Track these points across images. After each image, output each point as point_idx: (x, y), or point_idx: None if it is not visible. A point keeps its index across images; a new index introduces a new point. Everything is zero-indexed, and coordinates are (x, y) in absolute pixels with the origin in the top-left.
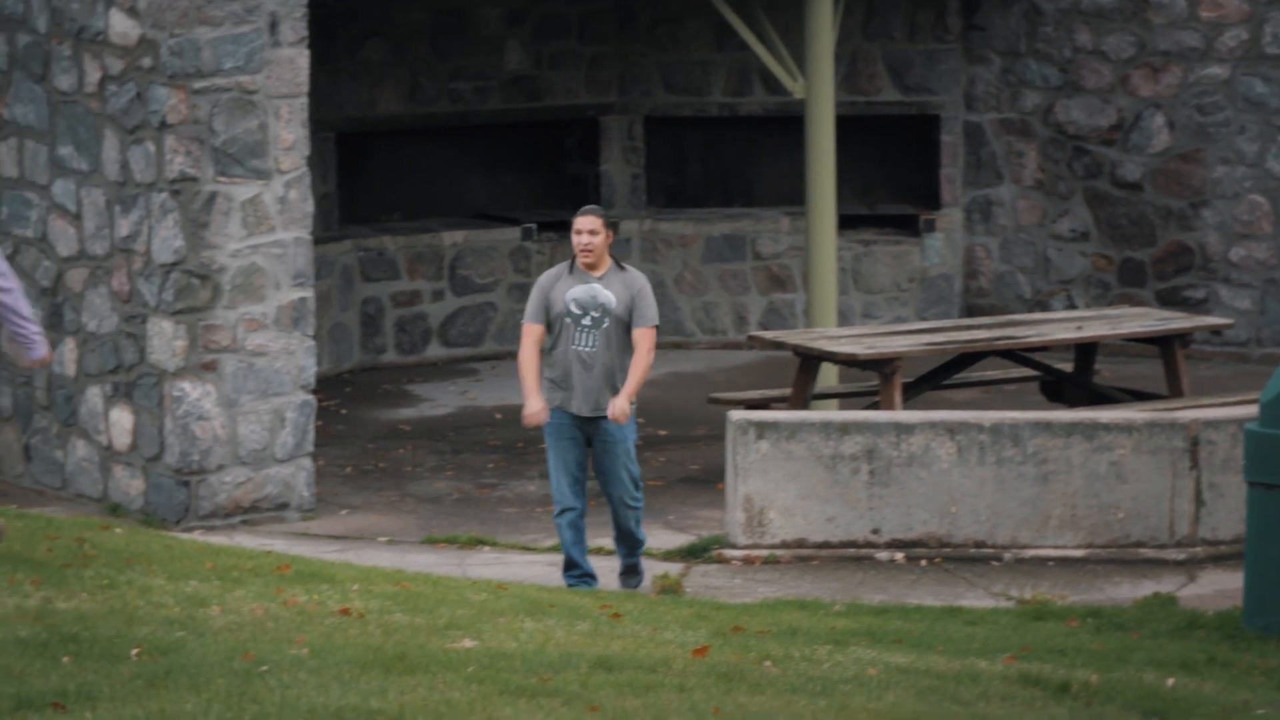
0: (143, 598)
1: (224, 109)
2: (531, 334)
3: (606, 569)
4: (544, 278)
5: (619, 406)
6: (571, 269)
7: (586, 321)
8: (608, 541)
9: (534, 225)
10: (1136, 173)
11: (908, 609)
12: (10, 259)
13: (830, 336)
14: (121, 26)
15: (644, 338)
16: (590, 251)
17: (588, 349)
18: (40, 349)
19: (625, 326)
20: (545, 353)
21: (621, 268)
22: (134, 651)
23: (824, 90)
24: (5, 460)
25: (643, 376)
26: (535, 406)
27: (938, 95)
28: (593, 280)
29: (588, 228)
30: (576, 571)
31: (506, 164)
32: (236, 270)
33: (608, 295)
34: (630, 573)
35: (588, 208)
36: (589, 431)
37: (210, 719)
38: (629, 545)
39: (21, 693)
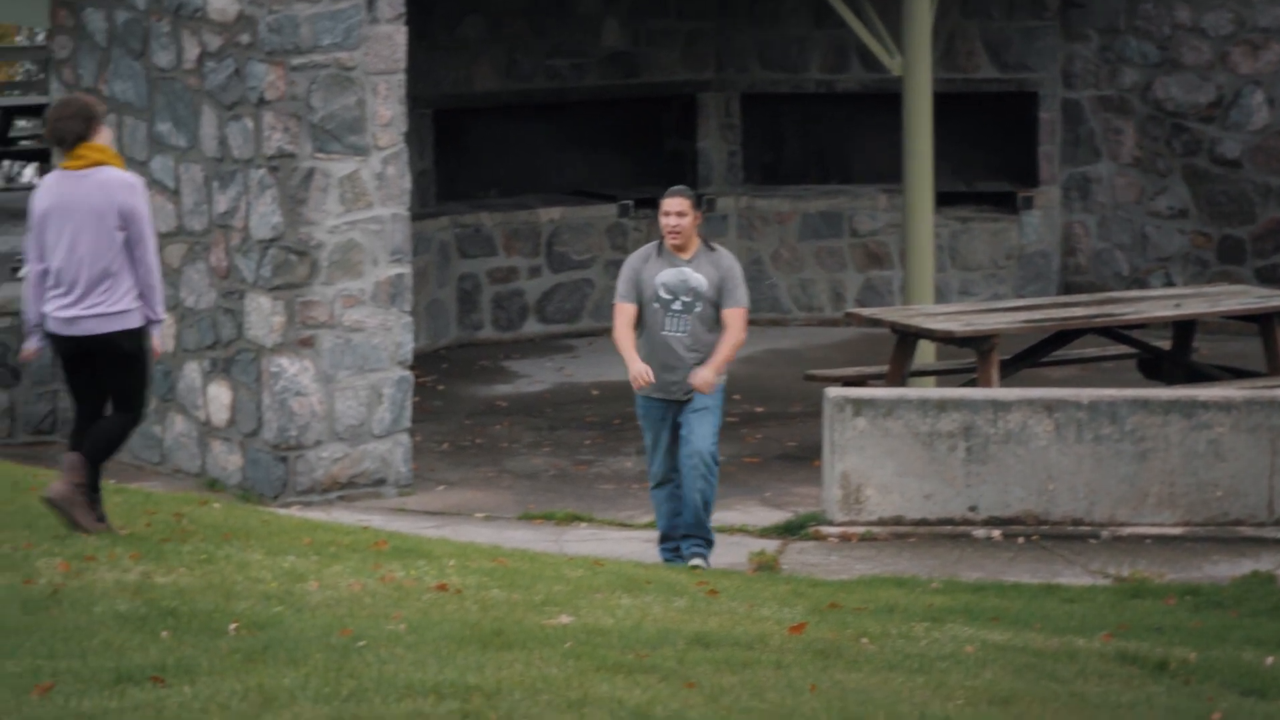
0: (241, 573)
1: (322, 85)
2: (624, 314)
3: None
4: (633, 258)
5: (703, 376)
6: (660, 250)
7: (677, 306)
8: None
9: (630, 202)
10: (1235, 149)
11: (1005, 586)
12: None
13: (927, 313)
14: (220, 3)
15: (735, 318)
16: (678, 233)
17: (679, 334)
18: (159, 331)
19: (716, 309)
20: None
21: (710, 248)
22: (232, 626)
23: (922, 67)
24: None
25: (731, 353)
26: (639, 366)
27: (1036, 73)
28: (682, 263)
29: (675, 209)
30: (672, 544)
31: (603, 141)
32: (334, 246)
33: (698, 279)
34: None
35: (675, 189)
36: (676, 414)
37: (308, 694)
38: (699, 536)
39: (121, 667)
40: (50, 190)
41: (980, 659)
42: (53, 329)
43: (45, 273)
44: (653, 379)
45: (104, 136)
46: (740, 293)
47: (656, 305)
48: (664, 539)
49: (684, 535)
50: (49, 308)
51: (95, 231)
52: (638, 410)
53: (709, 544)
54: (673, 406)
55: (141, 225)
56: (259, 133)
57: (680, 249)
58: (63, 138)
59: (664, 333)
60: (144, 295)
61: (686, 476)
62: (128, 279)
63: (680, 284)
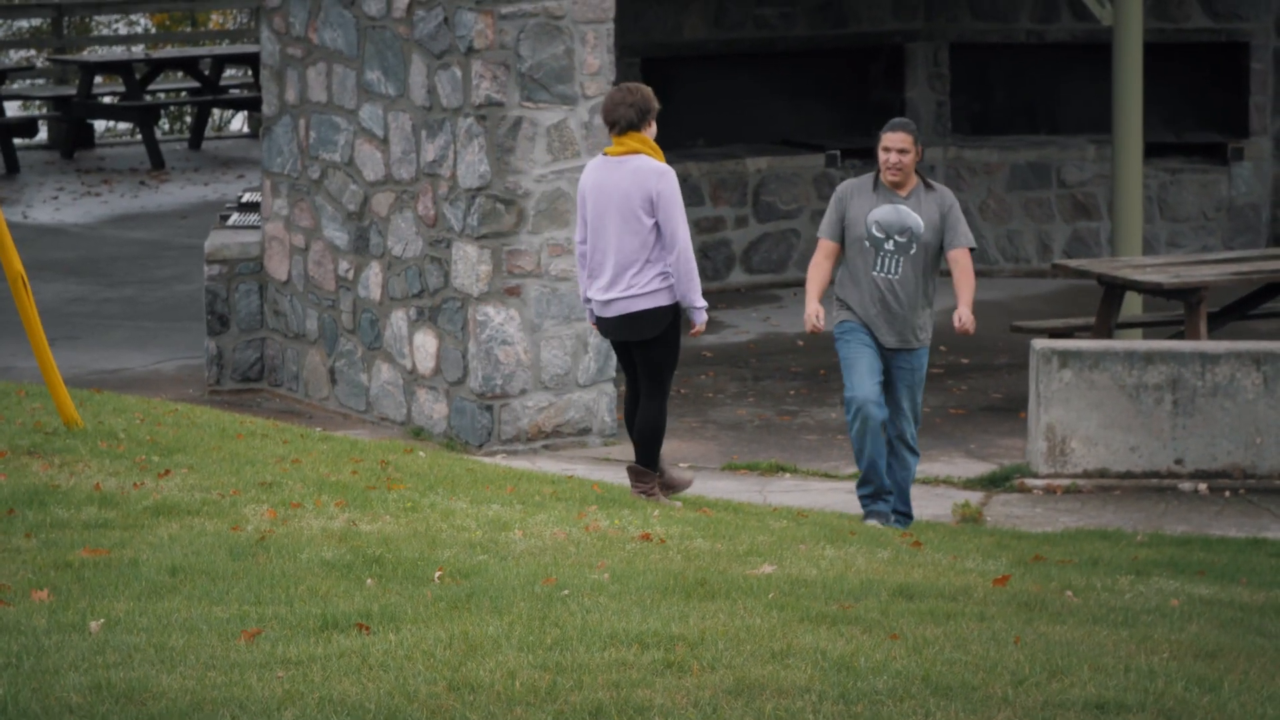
0: (445, 521)
1: (530, 34)
2: (824, 250)
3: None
4: (843, 188)
5: (967, 317)
6: (876, 185)
7: (890, 246)
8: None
9: (838, 152)
10: None
11: (1211, 540)
12: (317, 183)
13: (1135, 265)
14: None
15: (964, 257)
16: (900, 170)
17: (891, 276)
18: (700, 315)
19: (932, 251)
20: (838, 271)
21: (929, 185)
22: (436, 574)
23: (1133, 17)
24: (311, 383)
25: (972, 292)
26: (813, 309)
27: (1248, 22)
28: (899, 200)
29: (897, 145)
30: (870, 488)
31: (811, 90)
32: (541, 195)
33: (915, 219)
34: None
35: (897, 121)
36: (885, 360)
37: (512, 642)
38: (903, 500)
39: (327, 613)
40: (590, 174)
41: (1185, 613)
42: (596, 311)
43: (584, 253)
44: (821, 326)
45: (651, 131)
46: (966, 229)
47: (867, 244)
48: (864, 481)
49: (893, 511)
50: (591, 291)
51: (624, 217)
52: (836, 333)
53: (910, 517)
54: (879, 346)
55: (670, 212)
56: (467, 82)
57: (898, 185)
58: (615, 122)
59: (875, 273)
60: (676, 281)
61: (900, 453)
62: (656, 264)
63: (896, 222)
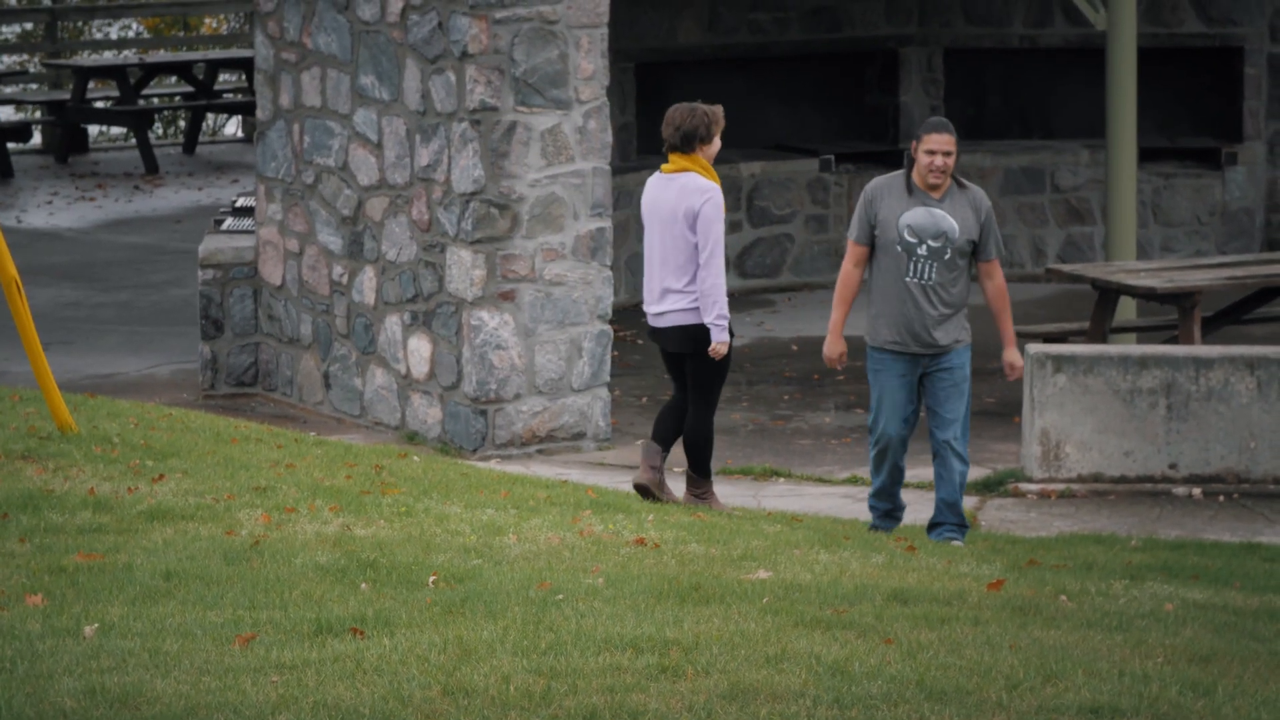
0: (440, 525)
1: (525, 39)
2: (854, 255)
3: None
4: (871, 189)
5: (1017, 360)
6: (909, 186)
7: (922, 251)
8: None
9: (832, 157)
10: None
11: (1205, 545)
12: (311, 188)
13: (1129, 270)
14: None
15: (997, 272)
16: (943, 174)
17: (926, 282)
18: (720, 334)
19: (965, 255)
20: (866, 279)
21: (961, 184)
22: (431, 578)
23: (1126, 22)
24: (305, 388)
25: (1011, 319)
26: (834, 350)
27: (1241, 27)
28: (933, 202)
29: (942, 148)
30: (885, 505)
31: (805, 95)
32: (535, 200)
33: (950, 222)
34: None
35: (938, 121)
36: (923, 367)
37: (506, 646)
38: (952, 511)
39: (321, 618)
40: (647, 191)
41: (1180, 617)
42: (650, 322)
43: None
44: (843, 365)
45: (708, 150)
46: (999, 239)
47: (900, 249)
48: (878, 494)
49: (937, 522)
50: (646, 303)
51: (669, 233)
52: (869, 365)
53: (964, 528)
54: (913, 364)
55: (708, 231)
56: (461, 86)
57: (934, 188)
58: (671, 141)
59: (907, 279)
60: (700, 297)
61: (948, 460)
62: (696, 280)
63: (930, 226)
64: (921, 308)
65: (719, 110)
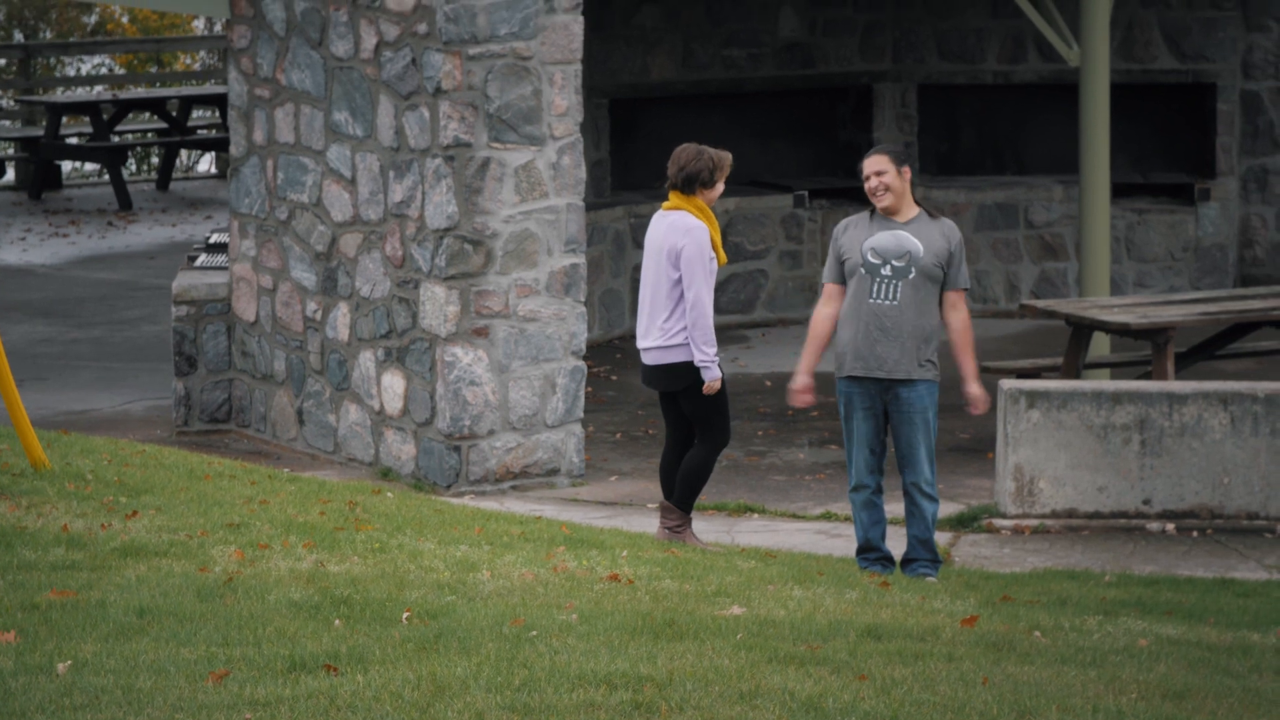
0: (413, 562)
1: (498, 75)
2: (827, 294)
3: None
4: (839, 227)
5: (979, 395)
6: (873, 215)
7: (886, 271)
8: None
9: (806, 193)
10: None
11: (1179, 580)
12: (285, 224)
13: (1103, 305)
14: None
15: (961, 303)
16: (886, 191)
17: (888, 302)
18: (709, 373)
19: (933, 281)
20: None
21: (932, 215)
22: (405, 615)
23: (1099, 58)
24: (279, 424)
25: (974, 355)
26: (798, 384)
27: (1214, 63)
28: (898, 225)
29: (874, 169)
30: (874, 555)
31: (779, 131)
32: (509, 236)
33: (914, 242)
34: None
35: (875, 147)
36: (886, 399)
37: (480, 683)
38: (924, 548)
39: (295, 654)
40: (650, 227)
41: (1154, 653)
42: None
43: None
44: (805, 402)
45: (708, 194)
46: (966, 272)
47: (863, 270)
48: (864, 550)
49: (910, 559)
50: (637, 338)
51: (657, 270)
52: (839, 400)
53: (938, 564)
54: (879, 389)
55: (691, 268)
56: (435, 122)
57: (893, 211)
58: (674, 180)
59: (871, 300)
60: (689, 335)
61: (917, 500)
62: (680, 316)
63: (894, 247)
64: (886, 331)
65: (726, 157)
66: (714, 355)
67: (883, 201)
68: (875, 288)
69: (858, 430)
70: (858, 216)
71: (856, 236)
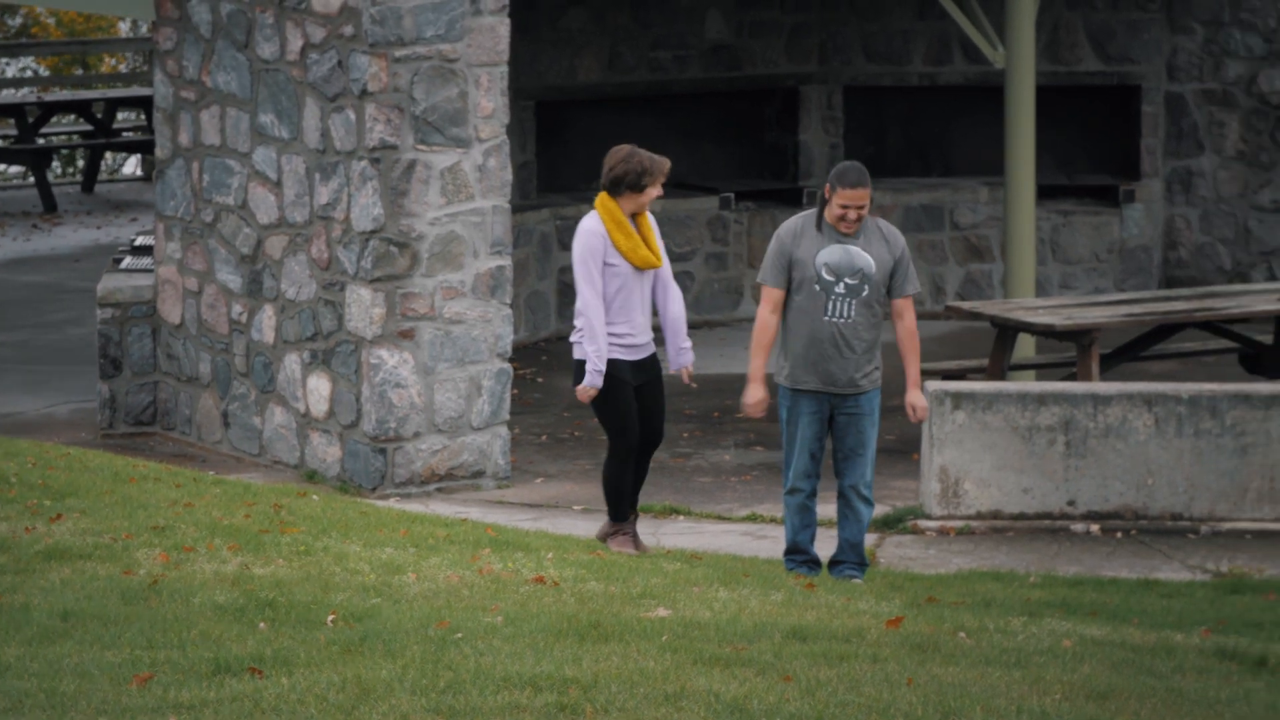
0: (339, 564)
1: (424, 77)
2: (771, 300)
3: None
4: (784, 232)
5: (920, 402)
6: (820, 225)
7: (840, 289)
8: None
9: (732, 195)
10: None
11: (1103, 581)
12: (210, 226)
13: (1028, 307)
14: None
15: (909, 310)
16: (855, 224)
17: (843, 320)
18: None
19: (884, 292)
20: (783, 320)
21: (873, 216)
22: (330, 618)
23: (1025, 60)
24: (204, 427)
25: (919, 361)
26: (755, 396)
27: (1139, 65)
28: (848, 240)
29: (856, 203)
30: (801, 557)
31: (705, 133)
32: (435, 238)
33: (866, 259)
34: (845, 565)
35: (856, 173)
36: (835, 407)
37: (405, 685)
38: (854, 551)
39: (219, 657)
40: None
41: (1077, 654)
42: None
43: None
44: (762, 413)
45: (637, 199)
46: (915, 277)
47: (817, 287)
48: (792, 551)
49: (837, 560)
50: None
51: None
52: (781, 403)
53: (864, 566)
54: (827, 401)
55: (576, 265)
56: (361, 124)
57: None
58: (603, 181)
59: (825, 318)
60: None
61: (854, 504)
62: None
63: (846, 264)
64: (840, 348)
65: (661, 164)
66: (595, 358)
67: (849, 230)
68: (830, 305)
69: (801, 434)
70: (803, 222)
71: (809, 248)
